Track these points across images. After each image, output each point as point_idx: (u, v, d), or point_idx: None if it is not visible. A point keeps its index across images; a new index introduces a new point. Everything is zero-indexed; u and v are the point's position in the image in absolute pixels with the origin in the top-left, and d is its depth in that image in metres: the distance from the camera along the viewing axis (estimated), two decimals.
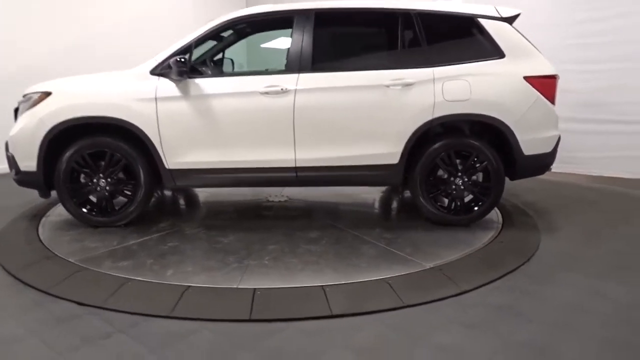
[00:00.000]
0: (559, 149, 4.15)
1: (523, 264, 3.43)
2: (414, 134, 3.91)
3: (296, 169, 3.99)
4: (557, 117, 4.09)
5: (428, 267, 3.29)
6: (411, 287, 3.01)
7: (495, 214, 4.44)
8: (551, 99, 4.02)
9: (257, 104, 3.90)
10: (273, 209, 4.80)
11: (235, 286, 2.99)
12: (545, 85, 3.97)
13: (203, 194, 5.36)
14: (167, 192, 5.44)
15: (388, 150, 3.94)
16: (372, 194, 5.29)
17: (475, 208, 4.11)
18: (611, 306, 2.84)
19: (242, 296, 2.87)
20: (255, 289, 2.94)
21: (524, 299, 2.91)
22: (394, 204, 5.16)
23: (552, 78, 4.00)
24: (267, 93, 3.89)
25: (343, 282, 3.04)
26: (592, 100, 5.89)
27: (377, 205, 5.11)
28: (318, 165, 3.98)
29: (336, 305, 2.78)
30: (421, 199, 4.09)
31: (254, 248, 3.62)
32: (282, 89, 3.88)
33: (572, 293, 3.00)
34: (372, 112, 3.91)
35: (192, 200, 5.30)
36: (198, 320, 2.64)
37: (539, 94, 3.95)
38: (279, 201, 5.00)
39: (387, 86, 3.88)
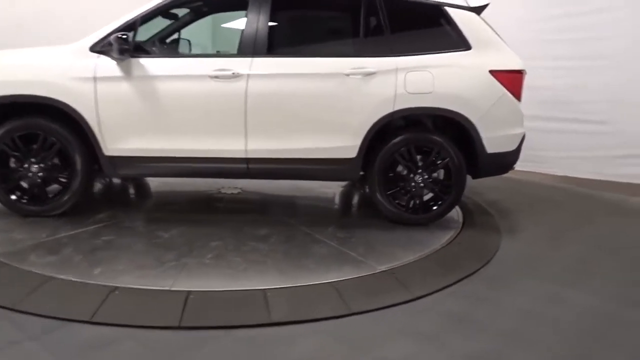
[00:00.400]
0: (523, 147, 4.01)
1: (481, 267, 3.29)
2: (373, 126, 3.71)
3: (247, 161, 3.75)
4: (523, 115, 3.95)
5: (380, 270, 3.11)
6: (360, 292, 2.82)
7: (455, 213, 4.29)
8: (517, 95, 3.87)
9: (206, 88, 3.64)
10: (224, 202, 4.56)
11: (167, 288, 2.75)
12: (512, 80, 3.82)
13: (155, 182, 5.06)
14: (117, 180, 5.11)
15: (345, 143, 3.73)
16: (332, 188, 5.09)
17: (435, 207, 3.94)
18: (569, 314, 2.71)
19: (173, 300, 2.64)
20: (189, 291, 2.71)
21: (479, 306, 2.76)
22: (354, 200, 4.98)
23: (519, 73, 3.85)
24: (217, 77, 3.63)
25: (288, 286, 2.83)
26: (560, 98, 5.79)
27: (336, 200, 4.91)
28: (271, 157, 3.75)
29: (277, 311, 2.57)
30: (378, 196, 3.90)
31: (196, 244, 3.38)
32: (233, 73, 3.62)
33: (529, 300, 2.86)
34: (329, 101, 3.69)
35: (142, 189, 5.00)
36: (121, 326, 2.40)
37: (504, 89, 3.79)
38: (232, 193, 4.75)
39: (347, 75, 3.66)
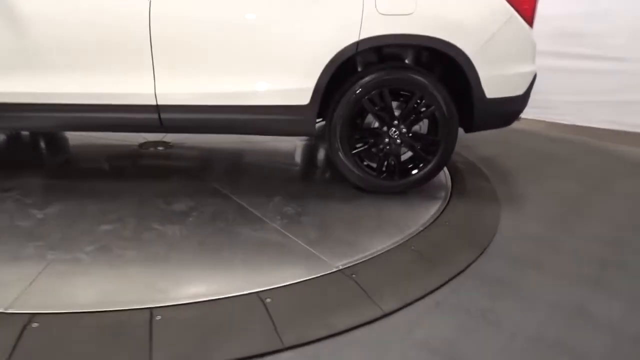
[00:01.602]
0: None
1: (475, 259, 2.42)
2: (331, 62, 2.73)
3: (158, 108, 2.76)
4: (535, 46, 2.98)
5: (335, 268, 2.21)
6: (300, 310, 1.93)
7: (442, 177, 3.38)
8: (529, 18, 2.89)
9: (94, 3, 2.59)
10: (141, 161, 3.58)
11: (3, 309, 1.82)
12: None
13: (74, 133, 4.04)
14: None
15: (294, 85, 2.75)
16: (291, 142, 4.12)
17: (416, 170, 3.02)
18: (606, 338, 1.86)
19: (7, 328, 1.71)
20: (31, 315, 1.78)
21: (470, 330, 1.90)
22: (318, 159, 4.01)
23: None
24: None
25: (190, 301, 1.92)
26: (571, 29, 4.80)
27: (292, 158, 3.95)
28: (190, 103, 2.76)
29: (162, 350, 1.66)
30: (341, 156, 2.96)
31: (78, 228, 2.44)
32: None
33: (544, 315, 2.00)
34: (269, 26, 2.69)
35: (55, 142, 3.98)
36: None
37: (513, 10, 2.80)
38: (157, 149, 3.75)
39: None
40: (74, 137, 4.00)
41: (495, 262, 2.41)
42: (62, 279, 2.03)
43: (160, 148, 3.76)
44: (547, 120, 5.01)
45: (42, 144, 3.99)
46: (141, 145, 3.78)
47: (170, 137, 3.95)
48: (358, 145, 2.98)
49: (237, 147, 3.89)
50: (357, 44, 2.70)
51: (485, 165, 3.77)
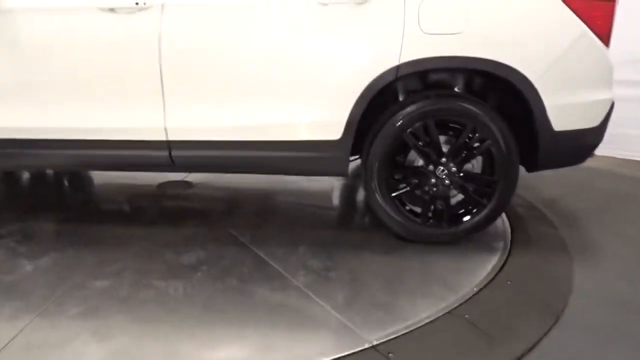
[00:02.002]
0: None
1: (547, 332, 1.92)
2: (367, 90, 2.34)
3: (169, 144, 2.43)
4: (612, 69, 2.51)
5: (368, 344, 1.77)
6: None
7: (500, 224, 2.89)
8: (605, 35, 2.42)
9: (95, 27, 2.32)
10: (157, 203, 3.25)
11: None
12: (597, 11, 2.38)
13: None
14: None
15: (323, 117, 2.38)
16: (328, 181, 3.72)
17: (468, 217, 2.56)
18: None
19: None
20: None
21: None
22: (356, 201, 3.58)
23: (610, 0, 2.39)
24: (112, 9, 2.30)
25: None
26: None
27: (328, 201, 3.53)
28: (205, 138, 2.42)
29: None
30: (378, 199, 2.54)
31: (68, 283, 2.11)
32: (138, 3, 2.28)
33: None
34: (295, 47, 2.33)
35: (78, 181, 3.73)
36: None
37: (584, 26, 2.35)
38: (174, 190, 3.43)
39: (323, 4, 2.27)
40: (98, 176, 3.72)
41: (573, 334, 1.91)
42: (30, 356, 1.65)
43: (181, 189, 3.42)
44: (619, 156, 4.43)
45: (65, 183, 3.73)
46: (160, 185, 3.46)
47: (193, 177, 3.62)
48: (399, 187, 2.55)
49: (266, 187, 3.52)
50: (397, 68, 2.31)
51: (550, 209, 3.25)
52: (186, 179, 3.59)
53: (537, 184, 3.63)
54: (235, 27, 2.33)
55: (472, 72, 2.49)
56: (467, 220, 2.56)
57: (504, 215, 2.96)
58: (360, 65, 2.32)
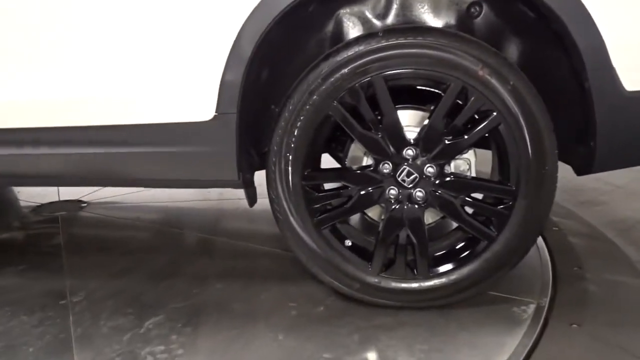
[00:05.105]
0: None
1: None
2: (256, 37, 1.28)
3: None
4: None
5: None
6: None
7: (534, 261, 1.72)
8: None
9: None
10: (24, 235, 2.26)
11: None
12: None
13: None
14: None
15: (168, 74, 1.32)
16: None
17: (457, 263, 1.43)
18: None
19: None
20: None
21: None
22: None
23: None
24: None
25: None
26: None
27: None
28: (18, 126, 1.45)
29: None
30: (295, 226, 1.43)
31: None
32: None
33: None
34: None
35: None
36: None
37: None
38: (52, 214, 2.44)
39: None
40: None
41: None
42: None
43: (62, 213, 2.42)
44: None
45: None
46: (35, 209, 2.48)
47: (91, 193, 2.63)
48: (330, 207, 1.44)
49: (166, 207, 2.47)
50: None
51: (626, 238, 2.02)
52: (81, 198, 2.59)
53: (598, 196, 2.40)
54: None
55: None
56: (458, 266, 1.42)
57: (541, 248, 1.78)
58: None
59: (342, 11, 1.48)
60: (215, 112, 1.36)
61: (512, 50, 1.51)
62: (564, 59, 1.38)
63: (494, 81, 1.30)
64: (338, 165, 1.55)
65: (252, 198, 1.56)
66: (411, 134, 1.39)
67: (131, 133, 1.41)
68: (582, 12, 1.26)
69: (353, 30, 1.50)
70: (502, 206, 1.39)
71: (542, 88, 1.34)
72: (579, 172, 1.50)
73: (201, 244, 2.09)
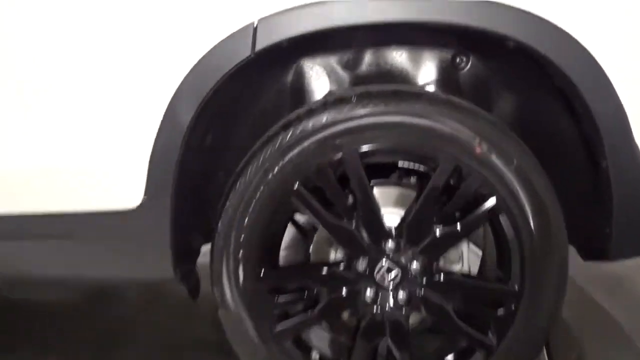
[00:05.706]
0: None
1: None
2: (197, 100, 1.02)
3: None
4: None
5: None
6: None
7: None
8: None
9: None
10: None
11: None
12: None
13: None
14: None
15: (95, 166, 1.03)
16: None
17: None
18: None
19: None
20: None
21: None
22: None
23: None
24: None
25: None
26: None
27: None
28: None
29: None
30: (251, 335, 1.13)
31: None
32: None
33: None
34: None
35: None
36: None
37: None
38: None
39: None
40: None
41: None
42: None
43: None
44: None
45: None
46: None
47: None
48: (293, 312, 1.16)
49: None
50: (255, 29, 0.95)
51: None
52: None
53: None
54: None
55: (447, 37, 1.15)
56: None
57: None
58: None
59: (304, 60, 1.23)
60: (145, 195, 1.07)
61: (505, 109, 1.28)
62: (571, 124, 1.16)
63: (494, 159, 1.05)
64: (299, 259, 1.25)
65: (194, 293, 1.27)
66: (392, 217, 1.12)
67: (40, 223, 1.11)
68: (601, 77, 1.03)
69: (317, 81, 1.25)
70: (501, 309, 1.13)
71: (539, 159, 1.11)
72: (586, 257, 1.28)
73: None
